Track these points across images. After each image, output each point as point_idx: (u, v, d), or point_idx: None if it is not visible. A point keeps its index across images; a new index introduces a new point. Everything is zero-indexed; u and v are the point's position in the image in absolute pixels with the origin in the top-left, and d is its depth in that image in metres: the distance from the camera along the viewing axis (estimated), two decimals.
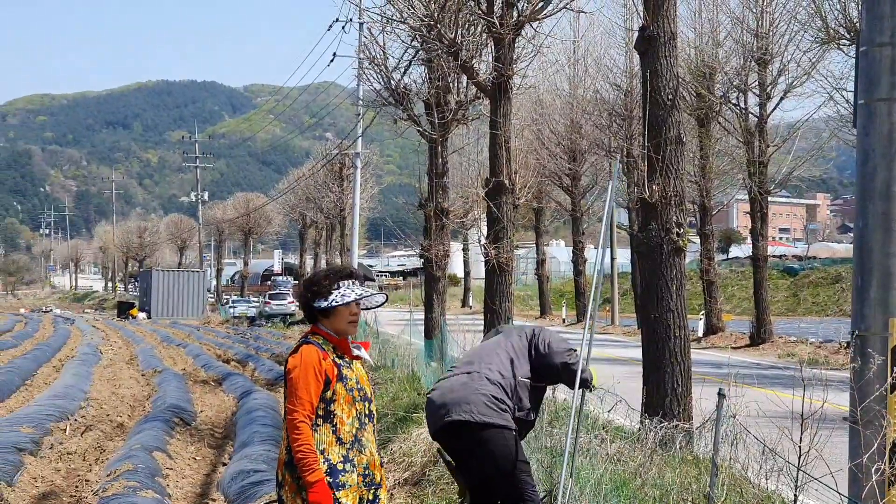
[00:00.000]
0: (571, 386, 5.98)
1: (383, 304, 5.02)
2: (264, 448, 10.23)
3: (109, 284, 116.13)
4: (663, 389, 9.58)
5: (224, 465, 10.70)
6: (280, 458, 4.72)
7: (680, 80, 10.23)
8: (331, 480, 4.53)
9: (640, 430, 8.71)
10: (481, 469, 5.81)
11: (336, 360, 4.68)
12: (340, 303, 4.70)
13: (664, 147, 9.71)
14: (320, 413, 4.61)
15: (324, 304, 4.71)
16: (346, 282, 4.75)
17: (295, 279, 73.61)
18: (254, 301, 60.85)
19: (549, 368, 6.02)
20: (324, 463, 4.55)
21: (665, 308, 9.73)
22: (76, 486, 9.45)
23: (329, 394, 4.61)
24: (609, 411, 8.06)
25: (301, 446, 4.50)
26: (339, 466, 4.58)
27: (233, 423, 13.63)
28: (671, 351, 9.66)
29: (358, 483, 4.62)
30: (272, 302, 53.01)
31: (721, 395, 5.26)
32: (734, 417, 5.96)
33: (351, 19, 32.16)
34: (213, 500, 8.99)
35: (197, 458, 11.27)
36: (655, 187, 9.69)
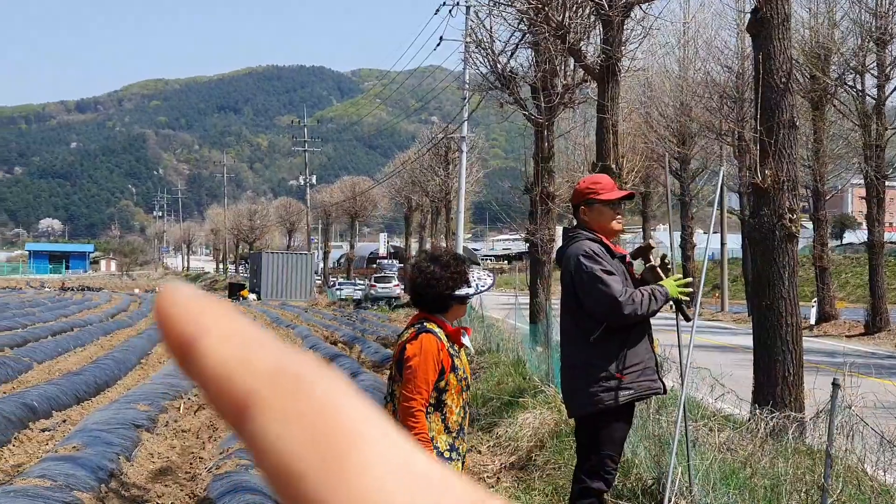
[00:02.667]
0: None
1: (490, 287, 4.97)
2: None
3: (220, 266, 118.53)
4: (774, 378, 9.40)
5: None
6: None
7: (793, 61, 10.00)
8: None
9: (749, 419, 8.57)
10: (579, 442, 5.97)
11: (450, 350, 4.64)
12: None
13: (777, 131, 9.50)
14: (432, 402, 4.60)
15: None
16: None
17: (400, 262, 74.16)
18: (360, 284, 61.33)
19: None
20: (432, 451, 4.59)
21: (777, 295, 9.53)
22: (190, 463, 9.69)
23: (442, 384, 4.59)
24: (717, 399, 7.93)
25: (417, 434, 4.51)
26: (446, 455, 4.60)
27: None
28: (782, 339, 9.46)
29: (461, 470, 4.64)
30: (378, 285, 53.16)
31: (836, 385, 5.14)
32: (850, 408, 5.82)
33: (458, 3, 32.32)
34: None
35: None
36: (768, 172, 9.49)
